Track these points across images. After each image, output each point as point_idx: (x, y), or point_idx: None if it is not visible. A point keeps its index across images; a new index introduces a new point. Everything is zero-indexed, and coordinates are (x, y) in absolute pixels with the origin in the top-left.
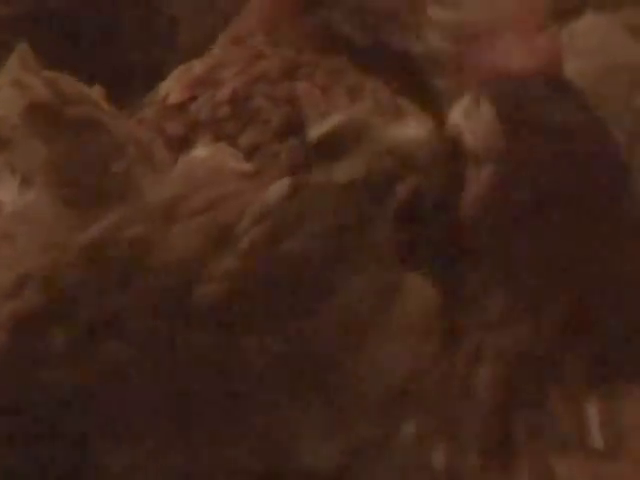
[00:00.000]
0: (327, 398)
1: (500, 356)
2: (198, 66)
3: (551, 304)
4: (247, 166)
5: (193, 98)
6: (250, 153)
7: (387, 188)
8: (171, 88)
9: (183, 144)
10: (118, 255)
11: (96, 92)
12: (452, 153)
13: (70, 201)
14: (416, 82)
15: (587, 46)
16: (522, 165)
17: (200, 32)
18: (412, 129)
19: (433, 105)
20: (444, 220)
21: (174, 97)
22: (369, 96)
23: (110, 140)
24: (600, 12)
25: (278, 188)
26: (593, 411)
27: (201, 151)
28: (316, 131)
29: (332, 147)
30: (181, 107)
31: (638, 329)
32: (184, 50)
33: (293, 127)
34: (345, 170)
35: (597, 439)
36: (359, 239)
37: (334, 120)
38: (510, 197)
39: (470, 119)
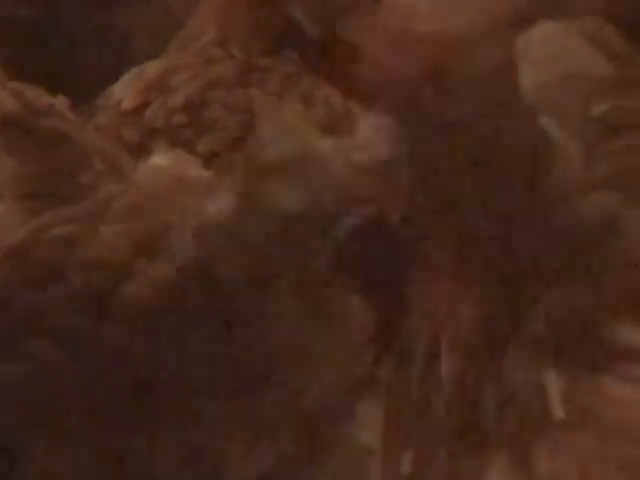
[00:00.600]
0: (255, 412)
1: (454, 347)
2: (149, 70)
3: (489, 282)
4: (207, 174)
5: (146, 104)
6: (209, 160)
7: (330, 220)
8: (123, 93)
9: (140, 150)
10: (43, 254)
11: (61, 103)
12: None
13: (38, 213)
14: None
15: (543, 54)
16: (431, 164)
17: (156, 39)
18: (358, 156)
19: None
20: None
21: (128, 102)
22: (322, 103)
23: (77, 152)
24: (555, 20)
25: (221, 205)
26: (552, 383)
27: (160, 159)
28: (260, 154)
29: (277, 174)
30: (135, 113)
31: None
32: (140, 57)
33: (249, 134)
34: (287, 199)
35: (558, 410)
36: (297, 267)
37: (279, 146)
38: (428, 198)
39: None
